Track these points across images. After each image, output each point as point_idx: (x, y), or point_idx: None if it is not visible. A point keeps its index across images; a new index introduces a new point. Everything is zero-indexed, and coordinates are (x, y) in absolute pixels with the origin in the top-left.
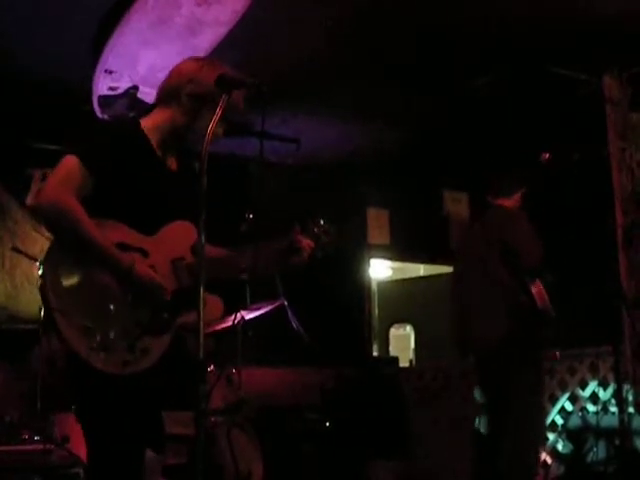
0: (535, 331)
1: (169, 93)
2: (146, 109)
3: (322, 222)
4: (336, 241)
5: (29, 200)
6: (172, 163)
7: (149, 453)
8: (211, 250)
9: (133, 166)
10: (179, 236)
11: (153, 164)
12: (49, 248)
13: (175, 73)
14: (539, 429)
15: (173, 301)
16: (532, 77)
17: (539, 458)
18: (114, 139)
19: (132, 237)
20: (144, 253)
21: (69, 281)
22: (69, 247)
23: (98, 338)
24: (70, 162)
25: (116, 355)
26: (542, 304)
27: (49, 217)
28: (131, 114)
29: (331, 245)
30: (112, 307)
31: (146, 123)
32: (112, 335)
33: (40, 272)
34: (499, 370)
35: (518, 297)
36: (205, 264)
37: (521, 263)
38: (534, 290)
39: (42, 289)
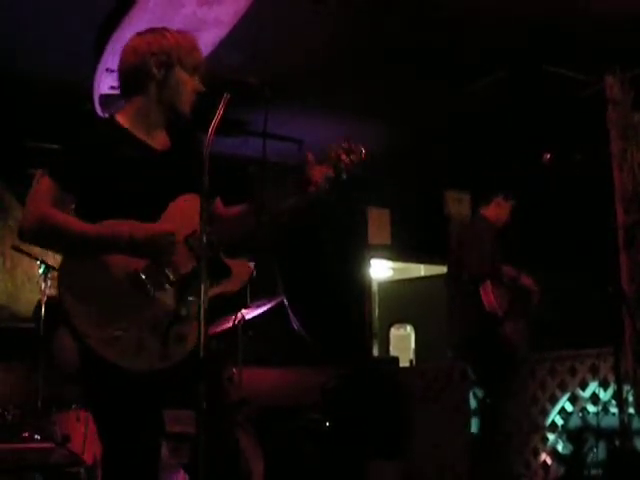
0: (488, 333)
1: (137, 75)
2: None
3: (344, 143)
4: (362, 159)
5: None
6: (163, 142)
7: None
8: (227, 211)
9: (116, 164)
10: (186, 210)
11: (138, 153)
12: (60, 265)
13: (131, 54)
14: (503, 433)
15: (194, 279)
16: (533, 78)
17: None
18: (84, 148)
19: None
20: None
21: (84, 293)
22: (76, 257)
23: (128, 341)
24: (43, 183)
25: (152, 352)
26: (489, 306)
27: (34, 235)
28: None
29: (356, 164)
30: (135, 306)
31: (122, 116)
32: (143, 334)
33: (42, 272)
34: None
35: (469, 301)
36: (226, 230)
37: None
38: (482, 293)
39: (58, 287)
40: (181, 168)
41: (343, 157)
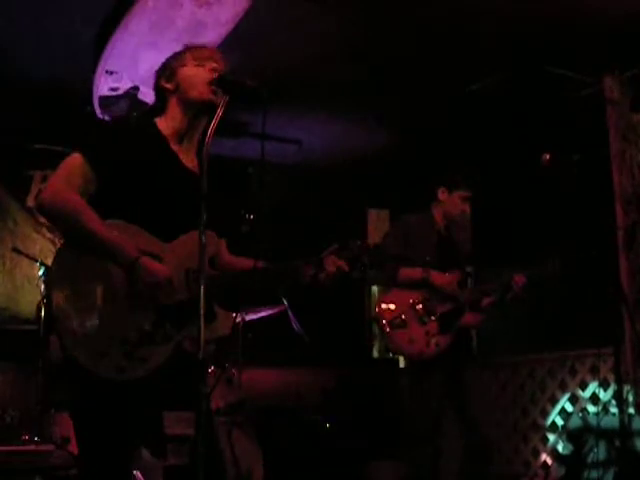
0: None
1: (159, 95)
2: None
3: (363, 242)
4: (374, 263)
5: (30, 201)
6: (195, 163)
7: (150, 455)
8: (231, 261)
9: (146, 165)
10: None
11: (169, 164)
12: (57, 251)
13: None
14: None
15: (180, 311)
16: (532, 78)
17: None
18: (121, 137)
19: (145, 240)
20: (157, 259)
21: (73, 285)
22: (75, 247)
23: (96, 343)
24: (73, 160)
25: (113, 360)
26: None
27: (51, 213)
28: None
29: (367, 268)
30: (114, 312)
31: (162, 123)
32: (111, 341)
33: (42, 274)
34: None
35: None
36: (227, 275)
37: None
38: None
39: (47, 292)
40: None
41: (362, 257)
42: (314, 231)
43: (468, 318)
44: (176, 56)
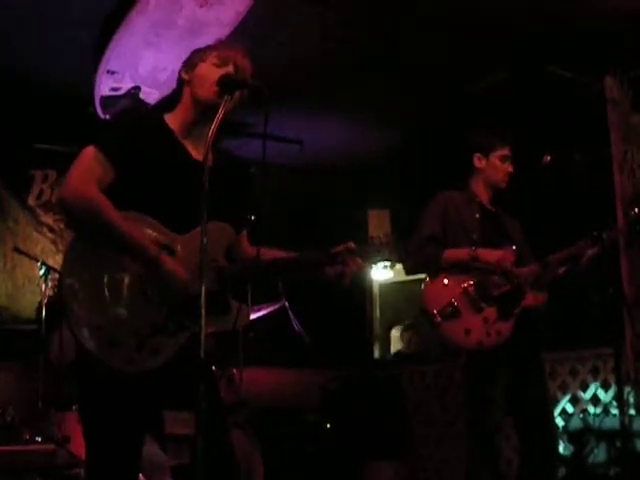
0: None
1: (178, 84)
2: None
3: (384, 237)
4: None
5: (31, 200)
6: (207, 156)
7: (158, 452)
8: (250, 252)
9: (156, 157)
10: (213, 238)
11: (177, 157)
12: (69, 245)
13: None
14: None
15: (194, 304)
16: (533, 78)
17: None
18: (133, 128)
19: (157, 232)
20: (170, 251)
21: (85, 278)
22: (89, 242)
23: (108, 334)
24: (89, 152)
25: (123, 352)
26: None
27: (73, 209)
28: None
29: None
30: (127, 305)
31: (170, 119)
32: (122, 332)
33: (43, 274)
34: None
35: None
36: (246, 266)
37: None
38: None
39: (59, 285)
40: (220, 193)
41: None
42: (315, 231)
43: (530, 299)
44: (203, 50)
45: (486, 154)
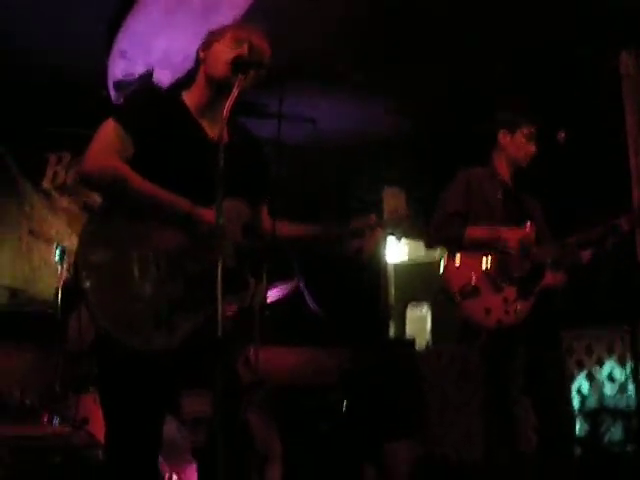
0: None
1: (196, 63)
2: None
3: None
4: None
5: (46, 183)
6: (222, 135)
7: (178, 432)
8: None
9: (172, 134)
10: (229, 215)
11: (195, 134)
12: (84, 226)
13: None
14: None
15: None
16: (549, 56)
17: None
18: (151, 105)
19: None
20: None
21: (101, 257)
22: (103, 223)
23: (125, 313)
24: (107, 125)
25: (141, 331)
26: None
27: (97, 182)
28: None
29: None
30: (143, 283)
31: (187, 96)
32: (139, 310)
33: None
34: None
35: None
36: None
37: None
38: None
39: (74, 266)
40: (237, 169)
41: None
42: (329, 209)
43: (549, 278)
44: (219, 30)
45: (512, 131)
